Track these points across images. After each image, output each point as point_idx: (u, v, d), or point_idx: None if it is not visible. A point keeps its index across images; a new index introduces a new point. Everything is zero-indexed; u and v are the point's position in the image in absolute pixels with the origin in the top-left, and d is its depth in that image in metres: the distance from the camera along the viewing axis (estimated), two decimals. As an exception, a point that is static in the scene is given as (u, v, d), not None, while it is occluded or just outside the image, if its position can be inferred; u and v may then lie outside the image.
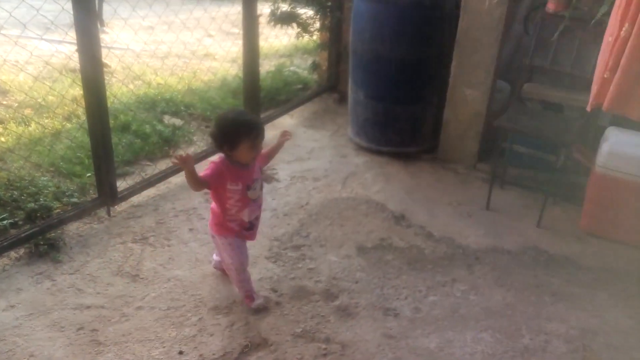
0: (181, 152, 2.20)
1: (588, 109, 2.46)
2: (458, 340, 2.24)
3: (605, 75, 2.31)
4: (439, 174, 3.64)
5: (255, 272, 2.58)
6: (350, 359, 2.14)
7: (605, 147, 2.86)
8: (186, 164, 2.06)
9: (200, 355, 2.12)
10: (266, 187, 3.35)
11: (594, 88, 2.38)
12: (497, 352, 2.19)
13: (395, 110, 3.67)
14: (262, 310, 2.35)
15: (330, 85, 4.79)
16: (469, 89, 3.50)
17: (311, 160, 3.73)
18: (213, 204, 2.30)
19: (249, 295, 2.37)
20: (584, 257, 2.84)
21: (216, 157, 2.24)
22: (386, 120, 3.72)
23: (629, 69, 2.22)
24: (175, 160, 2.05)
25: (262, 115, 4.03)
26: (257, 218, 2.35)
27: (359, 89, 3.74)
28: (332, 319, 2.34)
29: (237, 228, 2.28)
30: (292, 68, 5.19)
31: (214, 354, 2.12)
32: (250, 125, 2.15)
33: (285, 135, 2.40)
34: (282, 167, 3.59)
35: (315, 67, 4.77)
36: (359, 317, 2.36)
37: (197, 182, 2.14)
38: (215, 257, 2.57)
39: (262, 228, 2.92)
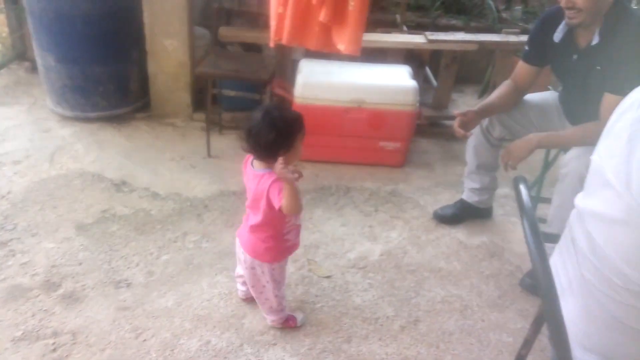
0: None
1: (271, 45, 2.60)
2: (195, 291, 2.25)
3: (279, 11, 2.45)
4: (156, 131, 3.52)
5: (-51, 286, 2.18)
6: (85, 344, 1.98)
7: (299, 79, 3.08)
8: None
9: None
10: (-50, 183, 2.82)
11: (273, 24, 2.52)
12: (232, 290, 2.26)
13: (94, 72, 3.38)
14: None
15: (17, 53, 4.18)
16: (167, 39, 3.39)
17: (7, 141, 3.25)
18: (263, 234, 1.89)
19: (291, 317, 2.11)
20: (300, 182, 3.05)
21: (266, 175, 1.81)
22: (87, 83, 3.40)
23: (298, 1, 2.39)
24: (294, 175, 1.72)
25: None
26: None
27: (47, 53, 3.33)
28: (58, 309, 2.13)
29: (293, 239, 1.98)
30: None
31: None
32: (299, 115, 1.83)
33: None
34: (-31, 157, 3.06)
35: (-11, 35, 4.09)
36: (88, 299, 2.19)
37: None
38: (241, 286, 2.19)
39: (-48, 232, 2.48)
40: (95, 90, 3.43)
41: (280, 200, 1.74)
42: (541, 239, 1.04)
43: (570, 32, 2.20)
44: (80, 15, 3.19)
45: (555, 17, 2.20)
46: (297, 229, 1.99)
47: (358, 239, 2.65)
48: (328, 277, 2.38)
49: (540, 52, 2.36)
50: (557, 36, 2.23)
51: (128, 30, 3.41)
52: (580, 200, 1.26)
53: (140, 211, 2.74)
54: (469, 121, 2.41)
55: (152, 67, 3.50)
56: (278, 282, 1.99)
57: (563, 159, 2.28)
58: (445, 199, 3.00)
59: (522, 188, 1.21)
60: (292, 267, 2.41)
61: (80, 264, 2.36)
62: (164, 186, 2.95)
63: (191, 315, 2.13)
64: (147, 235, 2.58)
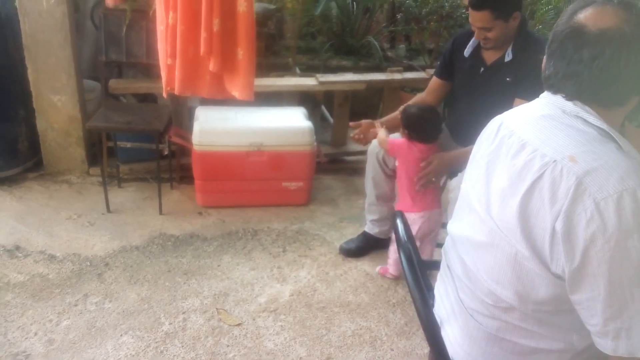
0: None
1: (164, 95, 2.61)
2: (99, 355, 2.15)
3: (168, 62, 2.47)
4: (51, 190, 3.37)
5: None
6: None
7: (196, 127, 3.09)
8: None
9: None
10: None
11: (163, 75, 2.53)
12: (139, 350, 2.19)
13: (-23, 133, 3.21)
14: None
15: None
16: (55, 95, 3.29)
17: None
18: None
19: None
20: (206, 230, 3.07)
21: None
22: (-30, 146, 3.22)
23: (186, 53, 2.43)
24: None
25: None
26: None
27: None
28: (-55, 395, 1.96)
29: None
30: None
31: None
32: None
33: None
34: None
35: None
36: (-19, 378, 2.04)
37: None
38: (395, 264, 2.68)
39: None
40: (-20, 153, 3.25)
41: None
42: (417, 272, 1.12)
43: (478, 48, 2.49)
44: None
45: (465, 37, 2.52)
46: None
47: (268, 281, 2.67)
48: (239, 324, 2.37)
49: (450, 67, 2.64)
50: (467, 51, 2.51)
51: (12, 89, 3.27)
52: (451, 225, 1.37)
53: (36, 276, 2.60)
54: (365, 130, 2.74)
55: (41, 124, 3.38)
56: None
57: (450, 184, 2.45)
58: (350, 232, 3.09)
59: (399, 222, 1.29)
60: (201, 318, 2.38)
61: (-30, 342, 2.19)
62: (61, 247, 2.82)
63: (96, 383, 2.04)
64: (45, 301, 2.44)
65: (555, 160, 1.06)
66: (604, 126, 1.08)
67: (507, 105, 1.41)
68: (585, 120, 1.10)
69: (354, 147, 3.79)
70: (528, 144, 1.13)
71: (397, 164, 2.60)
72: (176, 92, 2.47)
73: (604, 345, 1.04)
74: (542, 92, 1.23)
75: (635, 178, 1.00)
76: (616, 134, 1.09)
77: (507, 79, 2.37)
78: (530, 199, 1.08)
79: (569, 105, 1.12)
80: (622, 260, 0.98)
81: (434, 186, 2.52)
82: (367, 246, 2.91)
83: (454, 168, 2.50)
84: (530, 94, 1.34)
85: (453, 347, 1.24)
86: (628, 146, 1.09)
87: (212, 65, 2.32)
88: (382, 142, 2.58)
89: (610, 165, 1.02)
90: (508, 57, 2.38)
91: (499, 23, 2.29)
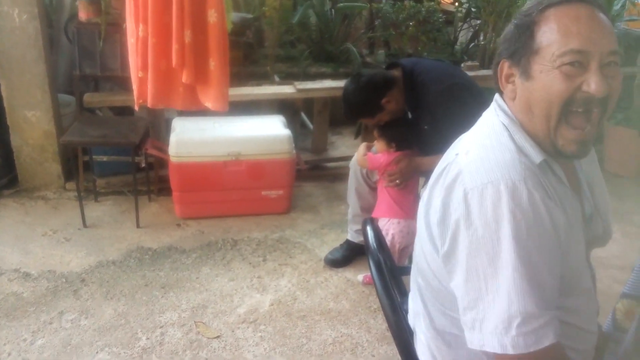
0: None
1: (135, 108, 2.58)
2: (74, 374, 2.11)
3: (140, 75, 2.44)
4: (26, 207, 3.32)
5: None
6: None
7: (173, 138, 3.06)
8: None
9: None
10: None
11: (135, 88, 2.50)
12: (115, 367, 2.15)
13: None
14: None
15: None
16: (30, 111, 3.25)
17: None
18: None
19: None
20: (185, 241, 3.03)
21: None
22: (-58, 164, 3.16)
23: (158, 65, 2.41)
24: None
25: None
26: None
27: None
28: None
29: None
30: None
31: None
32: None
33: None
34: None
35: None
36: (-49, 402, 1.99)
37: None
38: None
39: None
40: (-49, 171, 3.19)
41: None
42: (387, 279, 1.10)
43: None
44: None
45: None
46: None
47: (247, 292, 2.63)
48: (217, 337, 2.33)
49: None
50: None
51: (-17, 105, 3.23)
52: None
53: (10, 295, 2.55)
54: None
55: (15, 141, 3.33)
56: None
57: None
58: (332, 239, 3.07)
59: (369, 229, 1.28)
60: (178, 332, 2.34)
61: (-60, 365, 2.14)
62: (36, 265, 2.77)
63: (71, 402, 1.99)
64: (19, 320, 2.39)
65: (457, 154, 1.10)
66: (505, 120, 1.11)
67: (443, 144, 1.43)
68: (495, 114, 1.15)
69: (335, 153, 3.78)
70: (460, 139, 1.19)
71: (377, 176, 2.61)
72: (149, 104, 2.45)
73: (466, 336, 1.02)
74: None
75: (504, 170, 1.01)
76: (514, 129, 1.09)
77: (425, 127, 2.42)
78: (434, 189, 1.12)
79: (495, 100, 1.18)
80: (479, 249, 0.99)
81: (399, 189, 2.49)
82: (352, 254, 2.87)
83: (421, 173, 2.51)
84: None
85: (423, 351, 1.22)
86: (522, 141, 1.08)
87: (184, 77, 2.30)
88: (362, 161, 2.62)
89: (489, 157, 1.04)
90: (410, 115, 2.47)
91: (379, 115, 2.42)
